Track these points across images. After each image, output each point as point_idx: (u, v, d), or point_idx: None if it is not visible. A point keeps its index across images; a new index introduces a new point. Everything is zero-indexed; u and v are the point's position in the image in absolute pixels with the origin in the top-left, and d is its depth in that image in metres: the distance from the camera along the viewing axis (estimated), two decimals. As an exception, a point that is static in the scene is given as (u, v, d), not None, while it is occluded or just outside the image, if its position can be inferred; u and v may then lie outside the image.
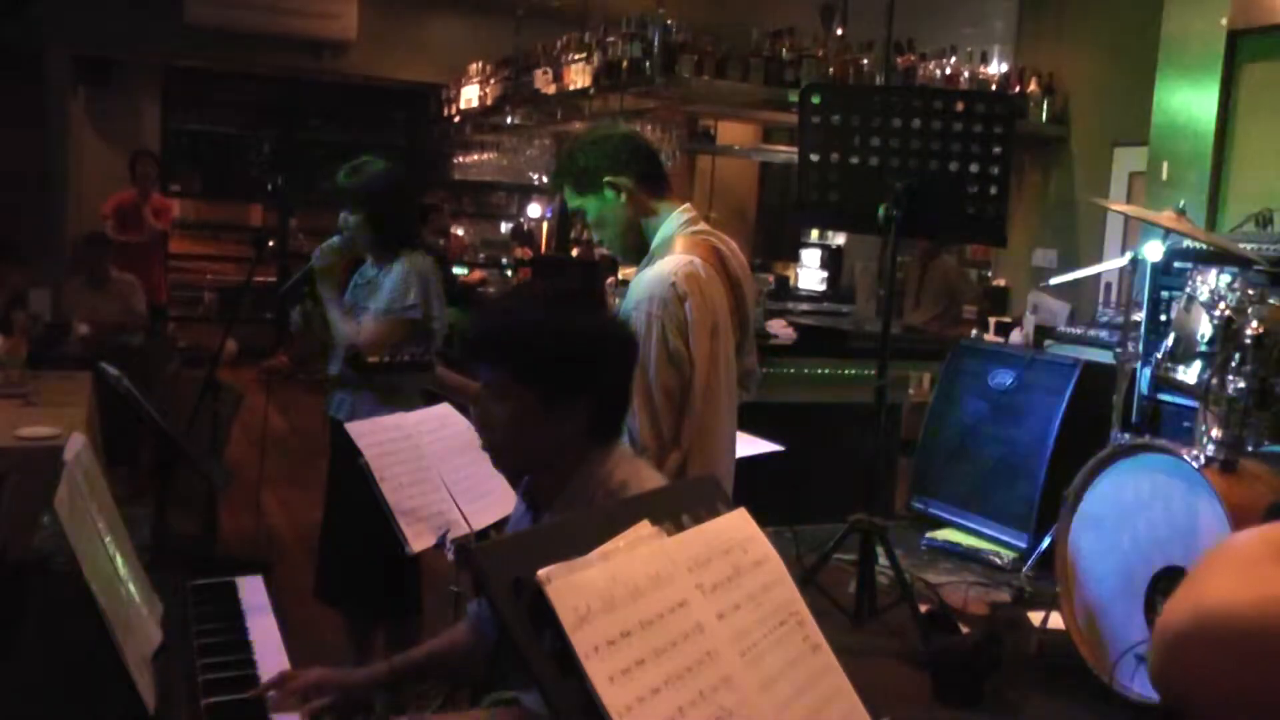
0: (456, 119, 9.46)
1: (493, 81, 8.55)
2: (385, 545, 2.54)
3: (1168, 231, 3.74)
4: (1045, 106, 6.87)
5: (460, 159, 10.44)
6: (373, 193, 3.26)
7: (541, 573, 1.09)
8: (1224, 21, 5.25)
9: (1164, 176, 5.47)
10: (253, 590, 2.17)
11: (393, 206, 3.28)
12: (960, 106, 3.46)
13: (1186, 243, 3.99)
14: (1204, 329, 3.23)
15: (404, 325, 3.19)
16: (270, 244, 10.83)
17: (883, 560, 3.55)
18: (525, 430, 1.79)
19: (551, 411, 1.76)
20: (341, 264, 3.33)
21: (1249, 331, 3.10)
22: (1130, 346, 3.81)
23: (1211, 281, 3.26)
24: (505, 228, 11.50)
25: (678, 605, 1.18)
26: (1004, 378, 4.56)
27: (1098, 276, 5.70)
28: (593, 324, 1.82)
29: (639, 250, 2.48)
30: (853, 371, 5.16)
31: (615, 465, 1.80)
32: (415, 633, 3.24)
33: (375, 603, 3.31)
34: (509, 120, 8.69)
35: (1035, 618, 3.47)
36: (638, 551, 1.20)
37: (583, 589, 1.11)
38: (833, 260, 9.05)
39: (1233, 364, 3.12)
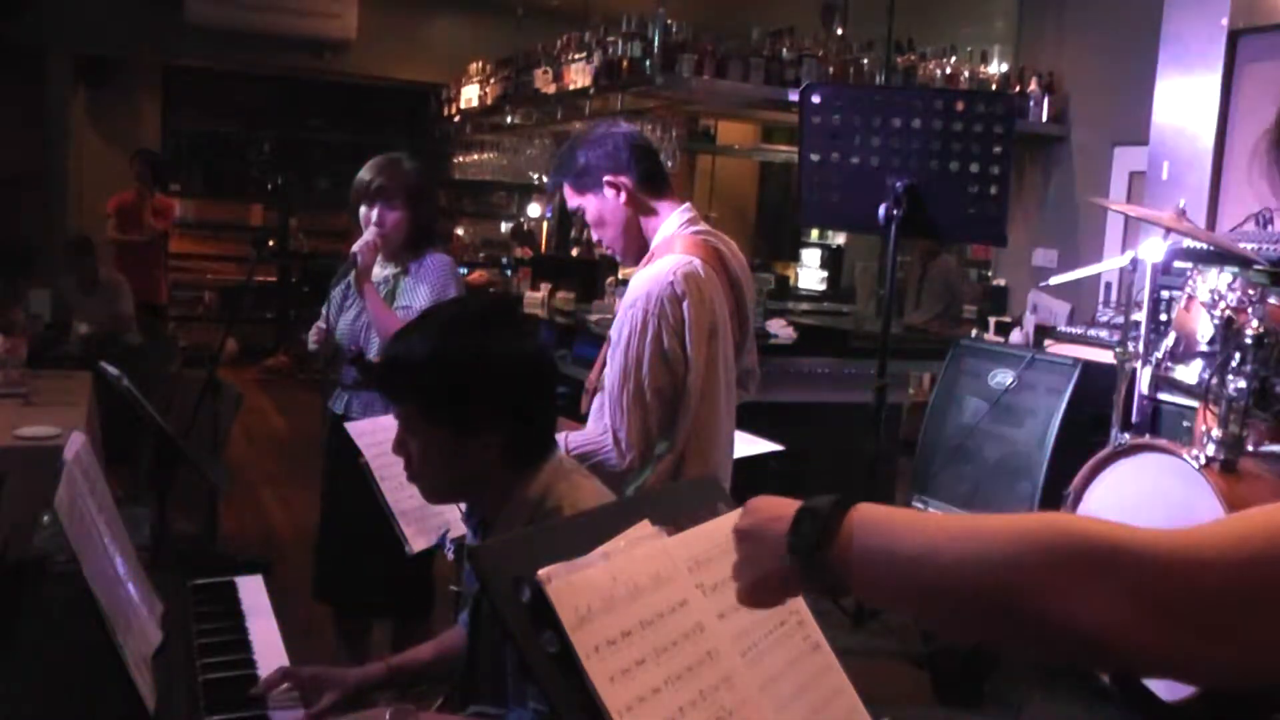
0: (456, 119, 9.46)
1: (493, 81, 8.54)
2: (384, 545, 2.54)
3: (1168, 231, 3.74)
4: (1045, 106, 6.86)
5: (460, 159, 10.44)
6: (415, 189, 3.24)
7: (542, 572, 1.09)
8: (1224, 21, 5.25)
9: (1164, 176, 5.47)
10: (253, 590, 2.17)
11: (433, 205, 3.26)
12: (960, 106, 3.46)
13: (1186, 243, 3.99)
14: (1204, 329, 3.24)
15: None
16: (270, 244, 10.84)
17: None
18: (440, 464, 1.75)
19: (463, 445, 1.71)
20: (374, 262, 3.24)
21: (1249, 331, 3.10)
22: (1130, 346, 3.81)
23: (1211, 281, 3.26)
24: (505, 228, 11.50)
25: (678, 605, 1.18)
26: (1004, 378, 4.56)
27: (1098, 276, 5.70)
28: (497, 350, 1.73)
29: (639, 250, 2.48)
30: (853, 371, 5.16)
31: (546, 488, 1.74)
32: (424, 634, 3.24)
33: (373, 603, 3.30)
34: (509, 120, 8.69)
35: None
36: (638, 551, 1.20)
37: (583, 589, 1.11)
38: (833, 260, 9.05)
39: (1233, 364, 3.12)
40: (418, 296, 3.19)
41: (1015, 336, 5.38)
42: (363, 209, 3.21)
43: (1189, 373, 3.32)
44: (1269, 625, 0.75)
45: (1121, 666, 0.87)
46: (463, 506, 2.26)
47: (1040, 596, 0.81)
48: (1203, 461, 3.00)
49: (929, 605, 0.94)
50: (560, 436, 2.23)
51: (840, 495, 1.00)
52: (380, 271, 3.29)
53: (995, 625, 0.88)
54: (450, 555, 2.55)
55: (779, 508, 1.04)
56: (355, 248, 3.17)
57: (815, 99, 3.57)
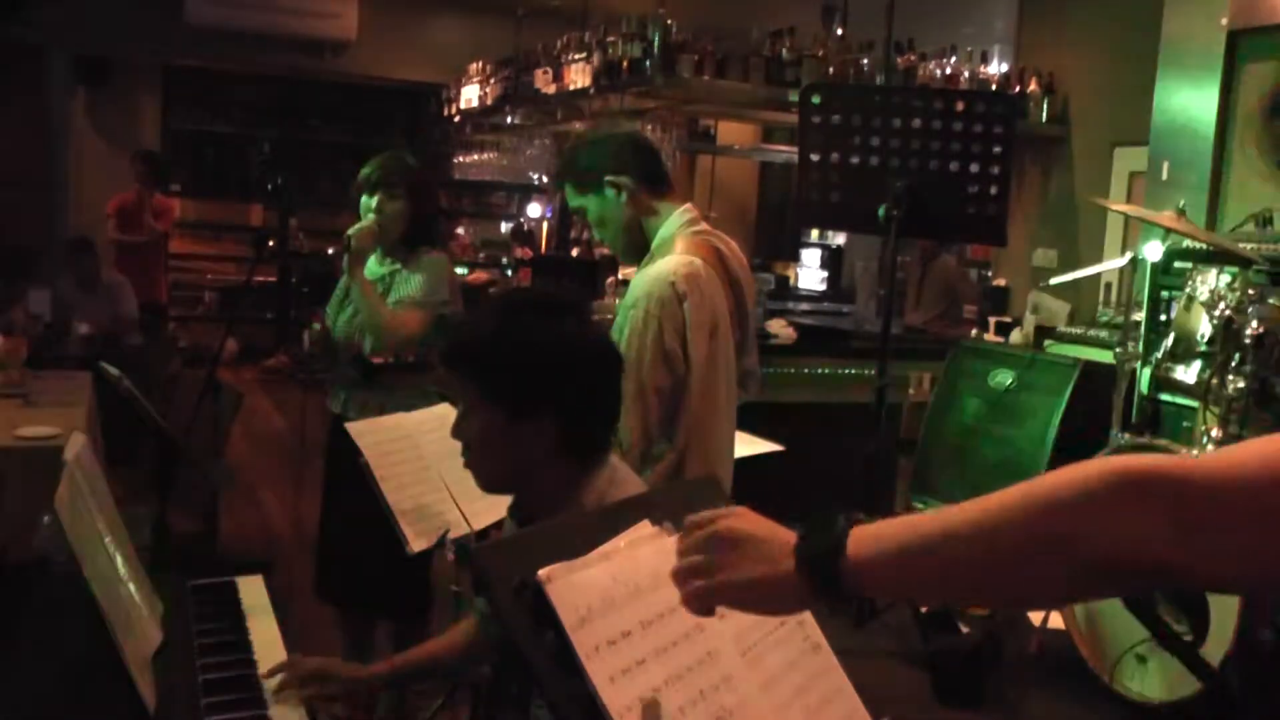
0: (456, 119, 9.46)
1: (493, 81, 8.54)
2: (384, 544, 2.54)
3: (1168, 231, 3.74)
4: (1045, 106, 6.86)
5: (460, 159, 10.44)
6: (417, 182, 3.24)
7: (542, 573, 1.09)
8: (1224, 21, 5.25)
9: (1164, 176, 5.46)
10: (253, 590, 2.17)
11: (434, 201, 3.27)
12: (960, 106, 3.46)
13: (1186, 243, 3.99)
14: (1204, 329, 3.24)
15: (436, 319, 3.18)
16: (270, 244, 10.82)
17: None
18: (494, 448, 1.73)
19: (517, 430, 1.69)
20: (372, 246, 3.24)
21: (1249, 331, 3.10)
22: (1130, 346, 3.81)
23: (1211, 281, 3.26)
24: (505, 228, 11.50)
25: (679, 605, 1.18)
26: (1004, 378, 4.56)
27: (1098, 276, 5.70)
28: (559, 335, 1.72)
29: (640, 250, 2.48)
30: (853, 371, 5.16)
31: (602, 492, 1.72)
32: (423, 634, 3.24)
33: (374, 602, 3.30)
34: (509, 120, 8.69)
35: (1035, 617, 3.47)
36: (639, 551, 1.20)
37: (583, 589, 1.11)
38: (833, 260, 9.05)
39: (1233, 364, 3.12)
40: (410, 286, 3.20)
41: (1015, 337, 5.39)
42: (364, 198, 3.22)
43: (1189, 373, 3.32)
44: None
45: (1158, 584, 0.93)
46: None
47: (1091, 531, 0.85)
48: (1203, 461, 3.00)
49: (960, 581, 0.98)
50: None
51: (841, 512, 1.05)
52: (377, 269, 3.30)
53: (1041, 579, 0.92)
54: (451, 555, 2.55)
55: (767, 523, 1.08)
56: (351, 230, 3.15)
57: (815, 99, 3.57)
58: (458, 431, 1.77)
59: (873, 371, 3.62)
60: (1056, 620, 3.34)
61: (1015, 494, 0.93)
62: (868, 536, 1.00)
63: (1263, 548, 0.81)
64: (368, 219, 3.18)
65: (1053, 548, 0.89)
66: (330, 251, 3.26)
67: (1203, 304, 3.23)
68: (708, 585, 1.06)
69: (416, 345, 3.18)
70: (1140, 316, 3.89)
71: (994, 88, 6.81)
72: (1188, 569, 0.84)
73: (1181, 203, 3.72)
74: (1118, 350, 3.89)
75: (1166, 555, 0.83)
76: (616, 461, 1.81)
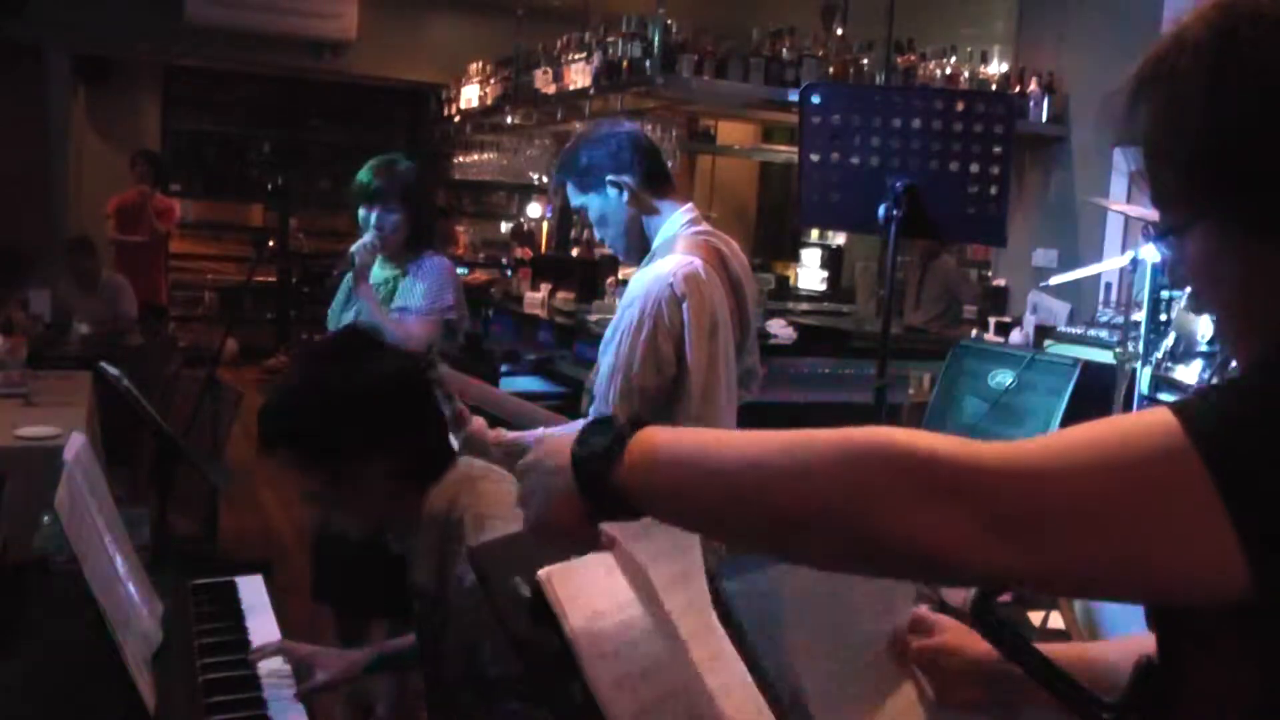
0: (456, 119, 9.46)
1: (493, 81, 8.54)
2: (381, 544, 2.54)
3: (1168, 231, 3.73)
4: (1045, 106, 6.86)
5: (460, 159, 10.43)
6: (413, 190, 3.25)
7: (542, 573, 1.08)
8: (1224, 21, 5.24)
9: (1164, 176, 5.45)
10: (253, 590, 2.17)
11: (430, 206, 3.28)
12: (960, 106, 3.45)
13: (1187, 243, 3.98)
14: (1204, 329, 3.23)
15: (443, 326, 3.19)
16: (270, 244, 10.83)
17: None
18: (346, 500, 1.78)
19: (356, 475, 1.74)
20: (373, 262, 3.27)
21: (1249, 331, 3.09)
22: (1130, 346, 3.81)
23: (1212, 281, 3.25)
24: (505, 228, 11.50)
25: (689, 606, 1.17)
26: (1004, 378, 4.56)
27: (1098, 276, 5.70)
28: (353, 376, 1.75)
29: (641, 249, 2.48)
30: (853, 371, 5.15)
31: (451, 501, 1.76)
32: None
33: (369, 602, 3.30)
34: (509, 120, 8.68)
35: (1035, 618, 3.47)
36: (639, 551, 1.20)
37: (584, 589, 1.11)
38: (833, 260, 9.04)
39: (1232, 364, 3.12)
40: (414, 296, 3.23)
41: (1015, 336, 5.38)
42: (362, 210, 3.25)
43: (1189, 373, 3.32)
44: (1090, 535, 0.75)
45: (954, 581, 0.86)
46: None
47: (875, 513, 0.79)
48: (1203, 461, 3.00)
49: (725, 513, 0.88)
50: (540, 431, 2.24)
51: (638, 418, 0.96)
52: (380, 273, 3.32)
53: (823, 545, 0.84)
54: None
55: (566, 440, 0.99)
56: (353, 248, 3.21)
57: (815, 99, 3.56)
58: (308, 500, 1.83)
59: (873, 371, 3.61)
60: (1056, 621, 3.34)
61: (808, 443, 0.86)
62: (656, 438, 0.91)
63: (1073, 545, 0.75)
64: (369, 235, 3.22)
65: (829, 518, 0.82)
66: (336, 272, 3.31)
67: (1203, 304, 3.22)
68: (527, 524, 1.02)
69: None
70: (1140, 316, 3.90)
71: (994, 88, 6.81)
72: (987, 566, 0.77)
73: (1181, 203, 3.71)
74: (1118, 350, 3.89)
75: (966, 553, 0.77)
76: (467, 463, 1.85)
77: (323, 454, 1.74)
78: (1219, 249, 0.85)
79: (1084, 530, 0.75)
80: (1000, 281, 7.32)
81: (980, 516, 0.77)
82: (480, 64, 8.87)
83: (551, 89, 7.18)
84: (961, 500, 0.77)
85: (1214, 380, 3.15)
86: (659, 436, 0.93)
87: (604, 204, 2.47)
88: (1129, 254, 4.17)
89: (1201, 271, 0.89)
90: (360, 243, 3.22)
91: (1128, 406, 3.76)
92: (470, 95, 8.98)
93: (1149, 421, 0.77)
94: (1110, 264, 5.14)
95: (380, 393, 1.76)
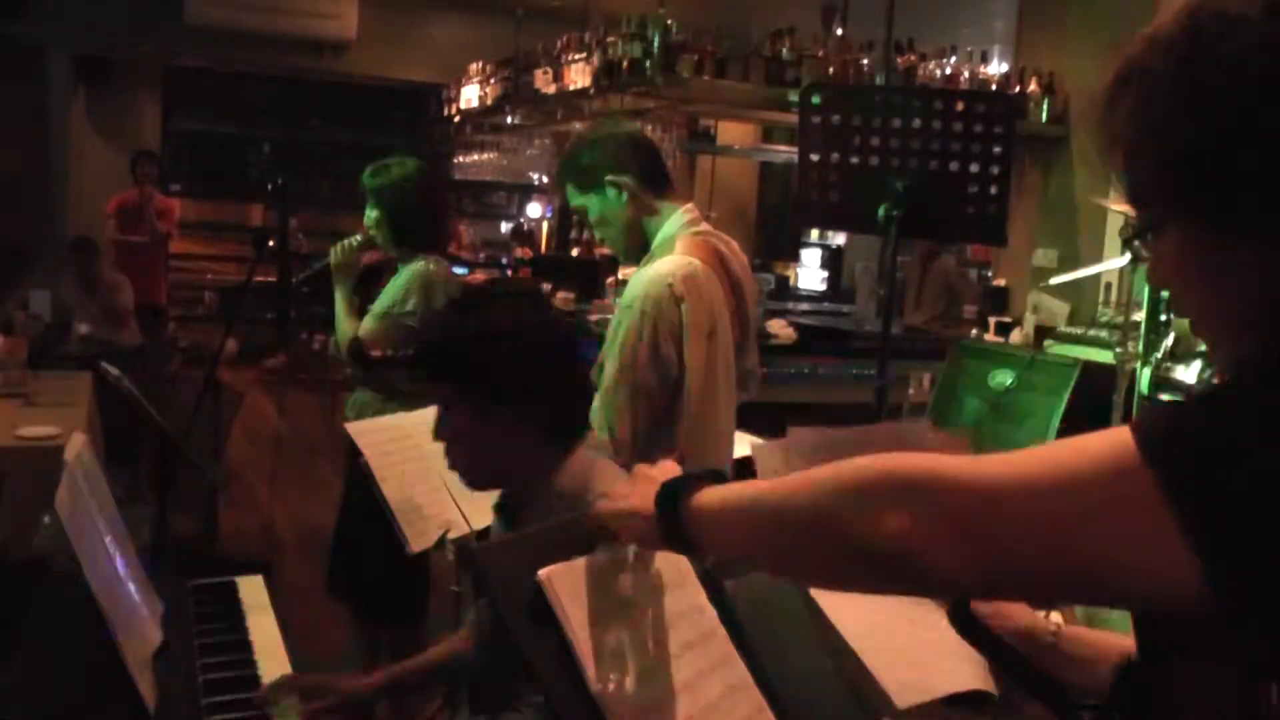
0: (456, 119, 9.45)
1: (493, 81, 8.54)
2: (397, 545, 2.53)
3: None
4: (1045, 106, 6.86)
5: (460, 159, 10.44)
6: (391, 192, 3.26)
7: (542, 573, 1.08)
8: (1224, 21, 5.24)
9: (1164, 176, 5.45)
10: (253, 590, 2.17)
11: (411, 208, 3.27)
12: (960, 106, 3.45)
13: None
14: (1204, 329, 3.22)
15: (399, 330, 3.18)
16: (270, 244, 10.80)
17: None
18: (474, 443, 1.77)
19: (497, 420, 1.74)
20: (359, 261, 3.34)
21: (1249, 331, 3.09)
22: (1130, 346, 3.81)
23: (1211, 281, 3.24)
24: (505, 228, 11.50)
25: (688, 608, 1.17)
26: (1004, 378, 4.56)
27: (1098, 276, 5.69)
28: (520, 322, 1.76)
29: (640, 249, 2.48)
30: (853, 371, 5.16)
31: (572, 473, 1.76)
32: (419, 635, 3.24)
33: (383, 602, 3.30)
34: (509, 120, 8.68)
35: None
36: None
37: (585, 589, 1.11)
38: (833, 260, 9.06)
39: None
40: (381, 298, 3.24)
41: (1015, 337, 5.38)
42: (366, 209, 3.32)
43: (1189, 373, 3.31)
44: (1043, 550, 0.79)
45: (926, 590, 0.91)
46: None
47: (852, 519, 0.86)
48: (1203, 461, 2.99)
49: (763, 546, 0.99)
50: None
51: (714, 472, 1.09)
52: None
53: (819, 557, 0.92)
54: (450, 555, 2.54)
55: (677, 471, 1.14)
56: (335, 245, 3.32)
57: (815, 99, 3.56)
58: (439, 433, 1.81)
59: (873, 371, 3.62)
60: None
61: (819, 474, 0.93)
62: (717, 490, 1.05)
63: (1031, 557, 0.80)
64: (353, 236, 3.32)
65: (824, 533, 0.90)
66: (316, 266, 3.43)
67: (1203, 304, 3.22)
68: (605, 507, 1.15)
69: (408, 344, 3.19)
70: (1140, 316, 3.89)
71: (994, 88, 6.81)
72: (957, 574, 0.82)
73: (1181, 203, 3.71)
74: (1118, 350, 3.89)
75: (936, 559, 0.81)
76: (597, 454, 1.85)
77: (477, 387, 1.74)
78: (1191, 249, 0.87)
79: (1038, 545, 0.79)
80: (1000, 281, 7.31)
81: (946, 526, 0.81)
82: (480, 64, 8.87)
83: (551, 89, 7.18)
84: (930, 511, 0.82)
85: (1214, 380, 3.15)
86: (731, 485, 1.06)
87: (604, 204, 2.47)
88: (1129, 254, 4.17)
89: (1176, 272, 0.90)
90: (342, 241, 3.30)
91: (1128, 406, 3.76)
92: (470, 95, 8.99)
93: (1108, 439, 0.79)
94: (1110, 264, 5.14)
95: (540, 343, 1.77)
